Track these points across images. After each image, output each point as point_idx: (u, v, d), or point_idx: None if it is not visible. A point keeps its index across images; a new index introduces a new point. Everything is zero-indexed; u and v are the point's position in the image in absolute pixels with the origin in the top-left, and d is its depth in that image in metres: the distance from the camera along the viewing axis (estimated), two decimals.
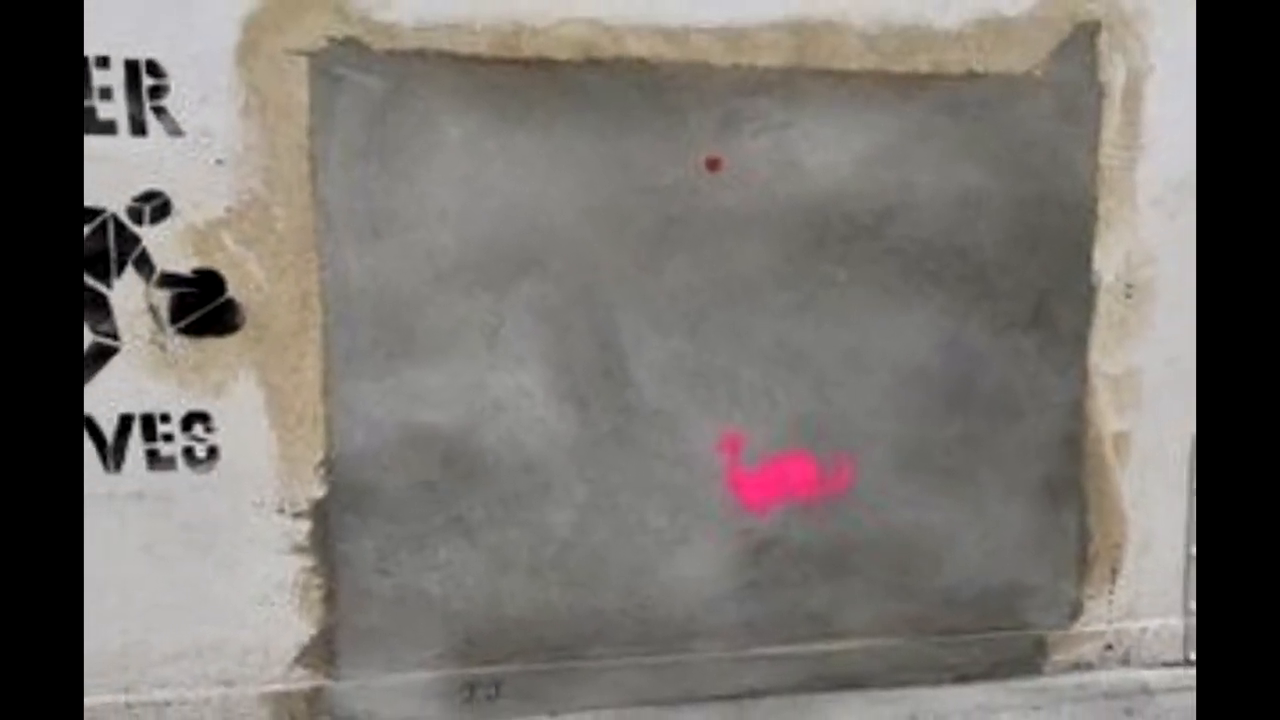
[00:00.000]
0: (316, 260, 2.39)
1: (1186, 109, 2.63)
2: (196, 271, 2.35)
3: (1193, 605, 2.96)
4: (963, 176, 2.66)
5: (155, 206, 2.30)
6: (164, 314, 2.35)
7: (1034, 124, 2.67)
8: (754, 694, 2.78)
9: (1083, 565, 2.92)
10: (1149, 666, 3.00)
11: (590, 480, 2.61)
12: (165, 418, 2.38)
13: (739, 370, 2.64)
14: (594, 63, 2.44)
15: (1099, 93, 2.69)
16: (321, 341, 2.42)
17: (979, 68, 2.62)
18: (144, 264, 2.32)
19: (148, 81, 2.26)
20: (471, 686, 2.64)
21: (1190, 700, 2.73)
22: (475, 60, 2.39)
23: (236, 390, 2.40)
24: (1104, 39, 2.67)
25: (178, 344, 2.36)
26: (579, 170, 2.48)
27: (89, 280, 2.30)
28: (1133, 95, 2.71)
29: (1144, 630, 2.99)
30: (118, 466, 2.38)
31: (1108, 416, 2.85)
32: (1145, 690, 2.88)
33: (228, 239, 2.35)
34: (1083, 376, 2.82)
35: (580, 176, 2.48)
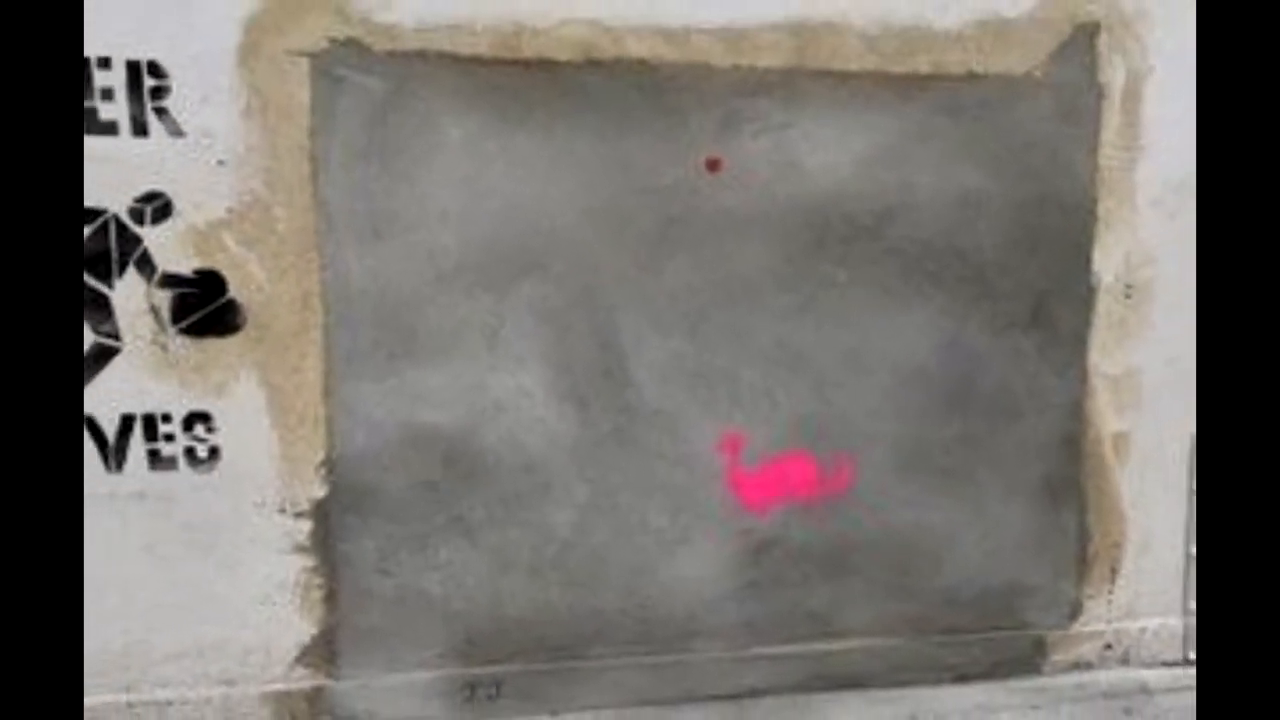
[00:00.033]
0: (317, 261, 2.39)
1: (1186, 110, 2.63)
2: (198, 272, 2.35)
3: (1192, 605, 2.97)
4: (962, 177, 2.66)
5: (157, 207, 2.31)
6: (165, 314, 2.35)
7: (1034, 125, 2.68)
8: (754, 694, 2.78)
9: (1082, 565, 2.93)
10: (1148, 666, 3.00)
11: (591, 480, 2.61)
12: (167, 418, 2.38)
13: (739, 370, 2.64)
14: (594, 64, 2.44)
15: (1098, 94, 2.70)
16: (322, 342, 2.42)
17: (979, 69, 2.62)
18: (145, 264, 2.32)
19: (149, 82, 2.26)
20: (472, 686, 2.64)
21: (1189, 700, 2.73)
22: (476, 61, 2.39)
23: (238, 390, 2.40)
24: (1103, 40, 2.68)
25: (179, 344, 2.37)
26: (579, 171, 2.48)
27: (91, 281, 2.30)
28: (1132, 96, 2.71)
29: (1143, 630, 3.00)
30: (119, 466, 2.38)
31: (1107, 417, 2.85)
32: (1144, 690, 2.89)
33: (229, 240, 2.35)
34: (1082, 377, 2.82)
35: (581, 177, 2.49)
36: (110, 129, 2.25)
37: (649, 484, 2.64)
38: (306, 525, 2.49)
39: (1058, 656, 2.96)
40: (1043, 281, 2.76)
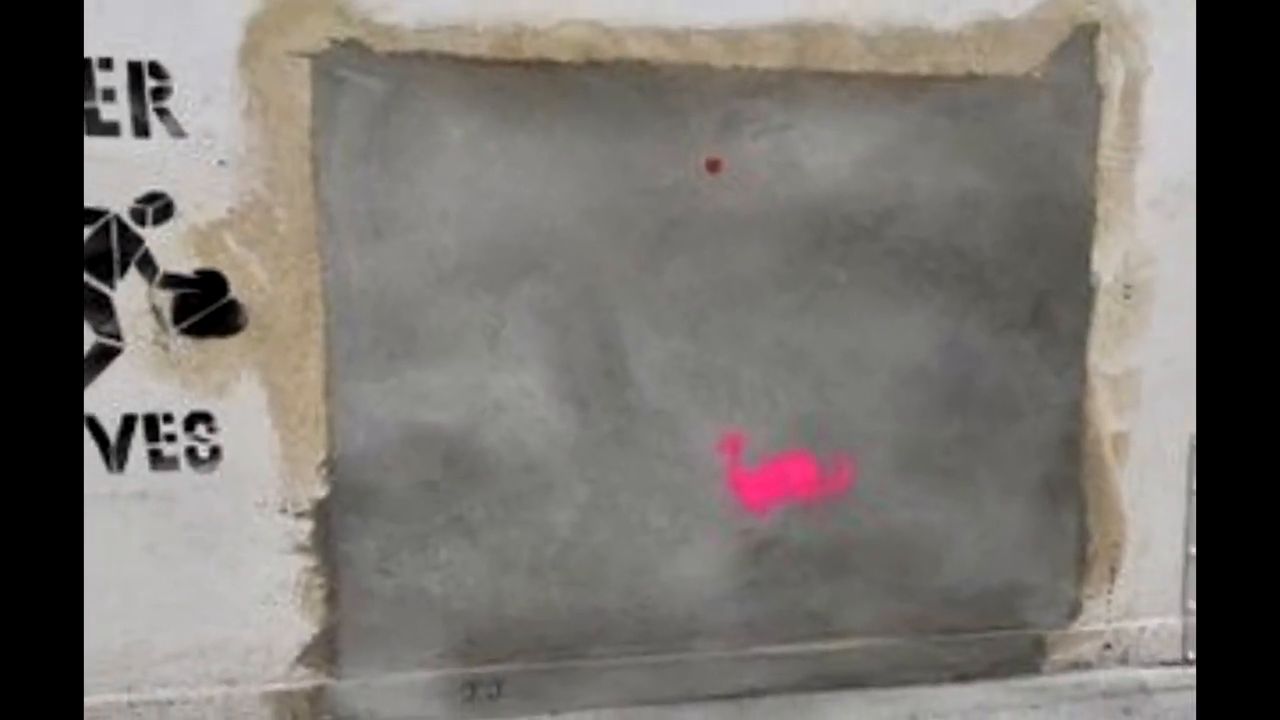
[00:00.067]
0: (319, 261, 2.40)
1: (1185, 111, 2.63)
2: (199, 272, 2.36)
3: (1191, 604, 2.97)
4: (962, 178, 2.66)
5: (158, 208, 2.31)
6: (167, 315, 2.36)
7: (1033, 125, 2.68)
8: (754, 693, 2.79)
9: (1081, 565, 2.93)
10: (1147, 666, 3.00)
11: (591, 480, 2.62)
12: (168, 418, 2.39)
13: (739, 371, 2.65)
14: (595, 64, 2.44)
15: (1098, 94, 2.70)
16: (324, 342, 2.43)
17: (978, 69, 2.63)
18: (147, 265, 2.33)
19: (150, 83, 2.26)
20: (473, 686, 2.65)
21: (1188, 699, 2.74)
22: (476, 62, 2.40)
23: (239, 391, 2.41)
24: (1103, 41, 2.68)
25: (180, 344, 2.37)
26: (580, 171, 2.49)
27: (92, 281, 2.31)
28: (1131, 97, 2.72)
29: (1142, 629, 3.00)
30: (121, 466, 2.39)
31: (1106, 417, 2.86)
32: (1143, 689, 2.89)
33: (230, 240, 2.36)
34: (1081, 377, 2.83)
35: (581, 178, 2.49)
36: (112, 130, 2.26)
37: (649, 484, 2.65)
38: (308, 525, 2.49)
39: (1057, 656, 2.96)
40: (1042, 282, 2.76)
